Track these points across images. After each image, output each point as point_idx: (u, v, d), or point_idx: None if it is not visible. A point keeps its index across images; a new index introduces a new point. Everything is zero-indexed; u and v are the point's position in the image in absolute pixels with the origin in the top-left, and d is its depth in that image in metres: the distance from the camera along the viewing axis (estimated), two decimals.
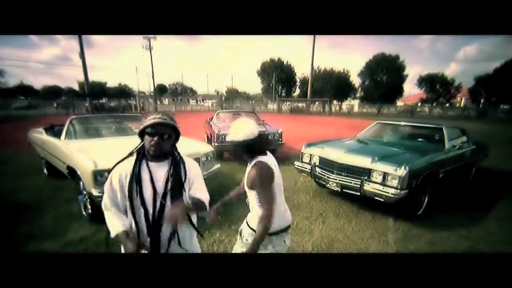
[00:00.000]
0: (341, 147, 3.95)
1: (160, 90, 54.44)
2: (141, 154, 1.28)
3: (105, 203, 1.27)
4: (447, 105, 36.55)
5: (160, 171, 1.27)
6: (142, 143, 1.27)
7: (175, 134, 1.30)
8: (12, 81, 66.28)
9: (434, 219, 3.35)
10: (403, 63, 37.42)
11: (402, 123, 4.80)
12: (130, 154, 1.30)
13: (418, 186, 3.20)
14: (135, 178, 1.23)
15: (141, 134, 1.25)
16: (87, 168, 2.80)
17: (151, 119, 1.22)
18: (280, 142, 6.56)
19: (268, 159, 1.46)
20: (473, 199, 4.17)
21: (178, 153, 1.36)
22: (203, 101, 53.51)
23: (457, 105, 39.16)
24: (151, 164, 1.27)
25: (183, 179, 1.31)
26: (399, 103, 39.83)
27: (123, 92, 47.78)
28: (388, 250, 2.70)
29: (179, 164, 1.32)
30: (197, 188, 1.38)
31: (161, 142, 1.22)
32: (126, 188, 1.23)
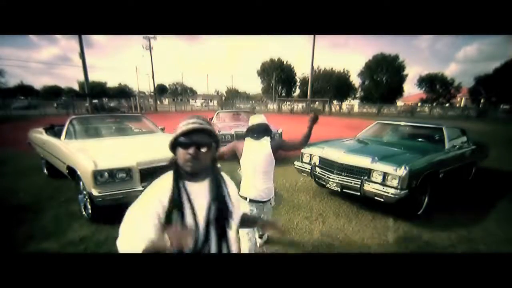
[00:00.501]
0: (341, 147, 3.95)
1: (160, 90, 54.55)
2: (176, 172, 0.97)
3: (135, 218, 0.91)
4: (447, 105, 36.60)
5: (201, 194, 0.98)
6: (174, 158, 0.98)
7: (215, 143, 1.00)
8: (12, 81, 66.70)
9: (434, 219, 3.35)
10: (403, 63, 37.53)
11: (402, 123, 4.80)
12: (166, 168, 1.00)
13: (418, 186, 3.20)
14: (175, 203, 0.92)
15: (173, 145, 0.96)
16: (87, 168, 2.80)
17: (184, 125, 0.93)
18: None
19: (253, 141, 2.20)
20: (473, 199, 4.17)
21: (218, 169, 1.07)
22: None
23: (457, 105, 39.22)
24: (188, 184, 0.96)
25: (229, 206, 1.03)
26: (399, 103, 39.89)
27: (123, 92, 47.89)
28: (388, 250, 2.70)
29: (221, 184, 1.03)
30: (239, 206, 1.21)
31: (199, 155, 0.93)
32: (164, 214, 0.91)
